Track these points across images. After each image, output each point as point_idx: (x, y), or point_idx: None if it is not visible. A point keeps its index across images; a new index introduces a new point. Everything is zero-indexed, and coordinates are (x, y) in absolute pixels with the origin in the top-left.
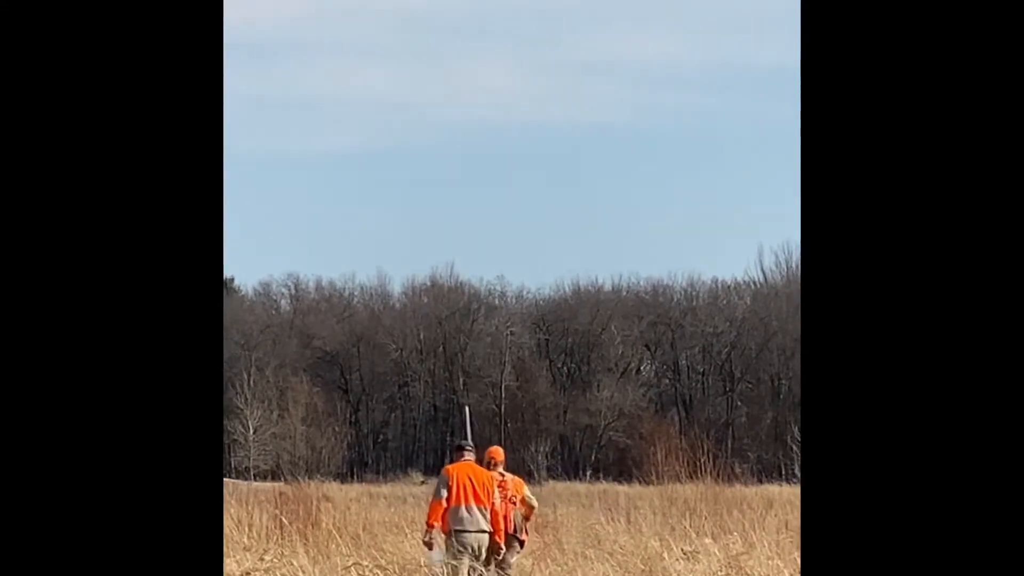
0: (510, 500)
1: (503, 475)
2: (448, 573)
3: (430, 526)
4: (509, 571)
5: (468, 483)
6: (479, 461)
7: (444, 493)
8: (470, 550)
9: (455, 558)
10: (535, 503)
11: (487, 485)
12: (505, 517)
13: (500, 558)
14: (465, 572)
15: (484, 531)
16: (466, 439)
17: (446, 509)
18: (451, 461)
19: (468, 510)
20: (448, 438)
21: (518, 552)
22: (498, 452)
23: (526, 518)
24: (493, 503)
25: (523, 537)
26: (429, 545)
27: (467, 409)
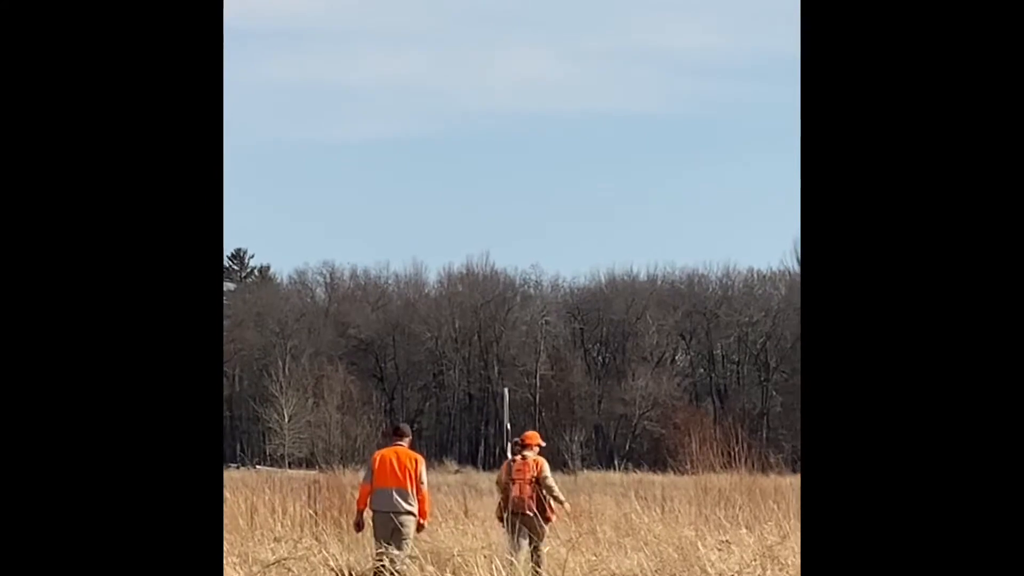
0: (529, 482)
1: (525, 458)
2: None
3: (360, 509)
4: (538, 545)
5: (389, 466)
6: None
7: (369, 477)
8: (388, 530)
9: (377, 538)
10: (558, 492)
11: (408, 467)
12: (527, 499)
13: (536, 535)
14: (385, 552)
15: (400, 511)
16: (504, 422)
17: (371, 491)
18: (379, 446)
19: (385, 492)
20: (483, 427)
21: (545, 527)
22: (530, 437)
23: (556, 500)
24: (419, 484)
25: (548, 515)
26: (358, 527)
27: (506, 391)
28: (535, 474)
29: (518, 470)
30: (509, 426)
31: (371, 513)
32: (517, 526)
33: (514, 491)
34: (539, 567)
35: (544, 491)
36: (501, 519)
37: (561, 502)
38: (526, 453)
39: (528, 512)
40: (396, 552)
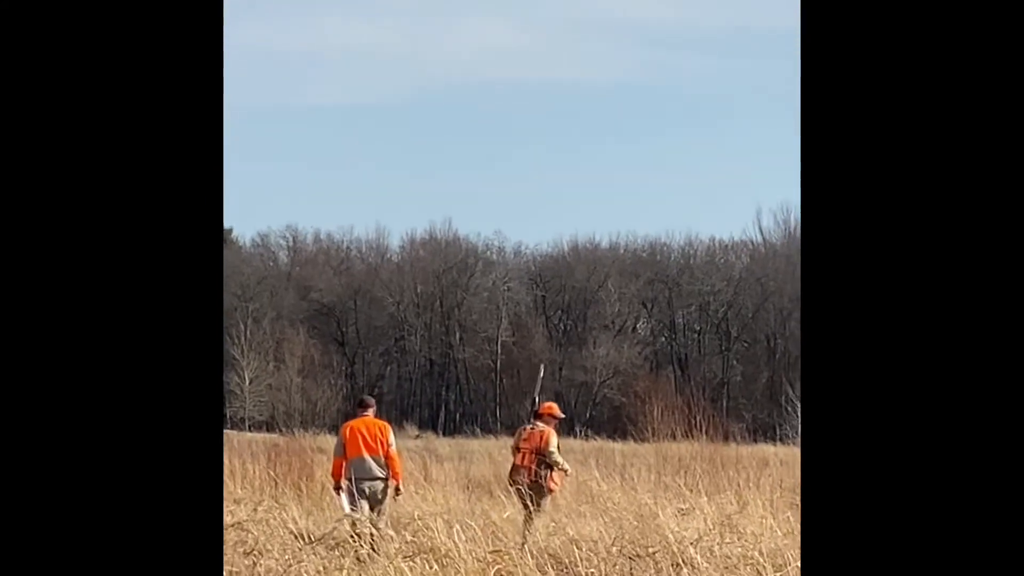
0: (533, 452)
1: (535, 428)
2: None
3: (336, 481)
4: (538, 512)
5: (360, 436)
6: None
7: (340, 449)
8: (366, 495)
9: (354, 504)
10: (558, 459)
11: (378, 436)
12: (529, 468)
13: (534, 504)
14: (363, 516)
15: (377, 478)
16: (536, 396)
17: (346, 461)
18: (350, 417)
19: (361, 460)
20: (443, 392)
21: (546, 497)
22: (546, 407)
23: (552, 469)
24: (388, 450)
25: (550, 485)
26: (339, 491)
27: (542, 367)
28: (540, 446)
29: (525, 439)
30: (538, 399)
31: (346, 483)
32: (522, 493)
33: (517, 459)
34: (527, 533)
35: (548, 462)
36: (511, 484)
37: (565, 471)
38: (538, 423)
39: (528, 480)
40: (376, 516)
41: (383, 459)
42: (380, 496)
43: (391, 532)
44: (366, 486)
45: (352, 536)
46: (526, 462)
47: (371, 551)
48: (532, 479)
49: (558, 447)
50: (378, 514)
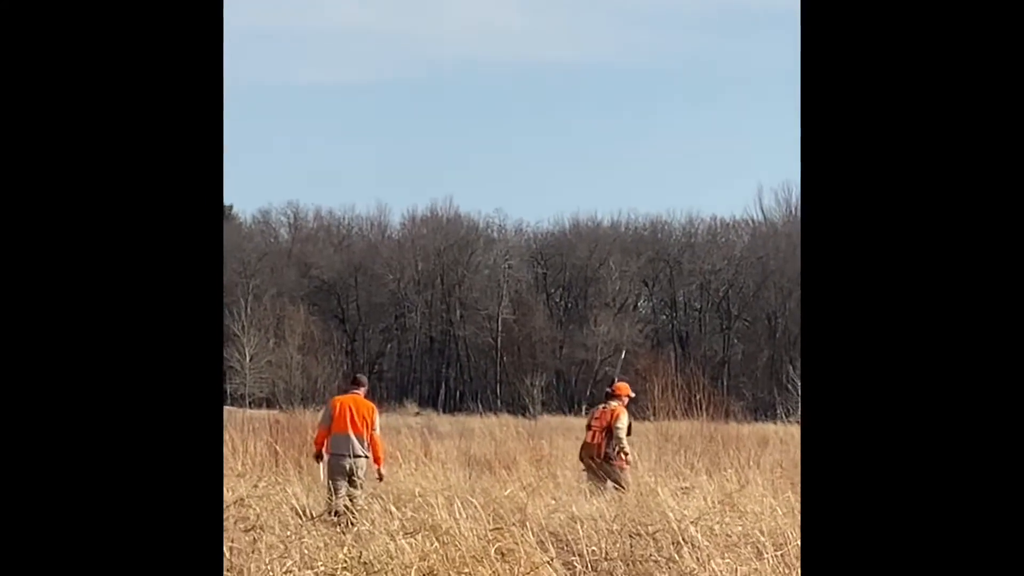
0: (602, 431)
1: (607, 407)
2: (330, 490)
3: (317, 450)
4: (622, 489)
5: (348, 412)
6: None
7: (327, 421)
8: (344, 472)
9: (333, 479)
10: (621, 436)
11: (365, 416)
12: (598, 445)
13: (611, 481)
14: (343, 492)
15: (357, 455)
16: (616, 376)
17: (328, 434)
18: (340, 390)
19: (344, 437)
20: (444, 369)
21: (619, 475)
22: (619, 387)
23: (621, 450)
24: (372, 433)
25: (616, 463)
26: (319, 459)
27: (623, 351)
28: (610, 423)
29: (596, 418)
30: (616, 379)
31: (327, 456)
32: (592, 470)
33: (587, 436)
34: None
35: (614, 440)
36: (581, 460)
37: (625, 453)
38: (611, 402)
39: (596, 458)
40: (354, 492)
41: (366, 439)
42: (359, 473)
43: (392, 508)
44: (346, 463)
45: (337, 512)
46: (596, 439)
47: (349, 524)
48: (602, 456)
49: (629, 427)
50: (356, 488)
